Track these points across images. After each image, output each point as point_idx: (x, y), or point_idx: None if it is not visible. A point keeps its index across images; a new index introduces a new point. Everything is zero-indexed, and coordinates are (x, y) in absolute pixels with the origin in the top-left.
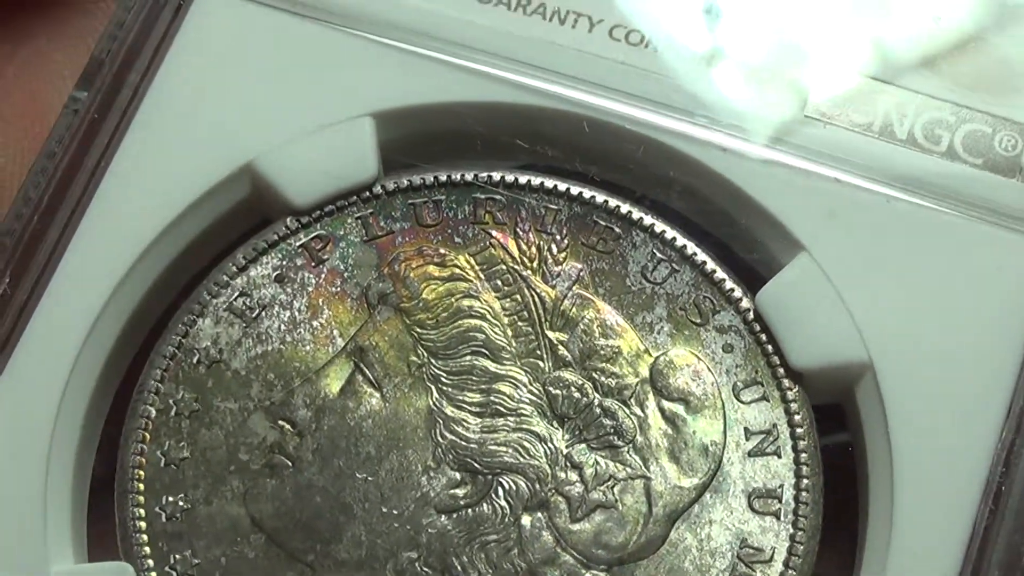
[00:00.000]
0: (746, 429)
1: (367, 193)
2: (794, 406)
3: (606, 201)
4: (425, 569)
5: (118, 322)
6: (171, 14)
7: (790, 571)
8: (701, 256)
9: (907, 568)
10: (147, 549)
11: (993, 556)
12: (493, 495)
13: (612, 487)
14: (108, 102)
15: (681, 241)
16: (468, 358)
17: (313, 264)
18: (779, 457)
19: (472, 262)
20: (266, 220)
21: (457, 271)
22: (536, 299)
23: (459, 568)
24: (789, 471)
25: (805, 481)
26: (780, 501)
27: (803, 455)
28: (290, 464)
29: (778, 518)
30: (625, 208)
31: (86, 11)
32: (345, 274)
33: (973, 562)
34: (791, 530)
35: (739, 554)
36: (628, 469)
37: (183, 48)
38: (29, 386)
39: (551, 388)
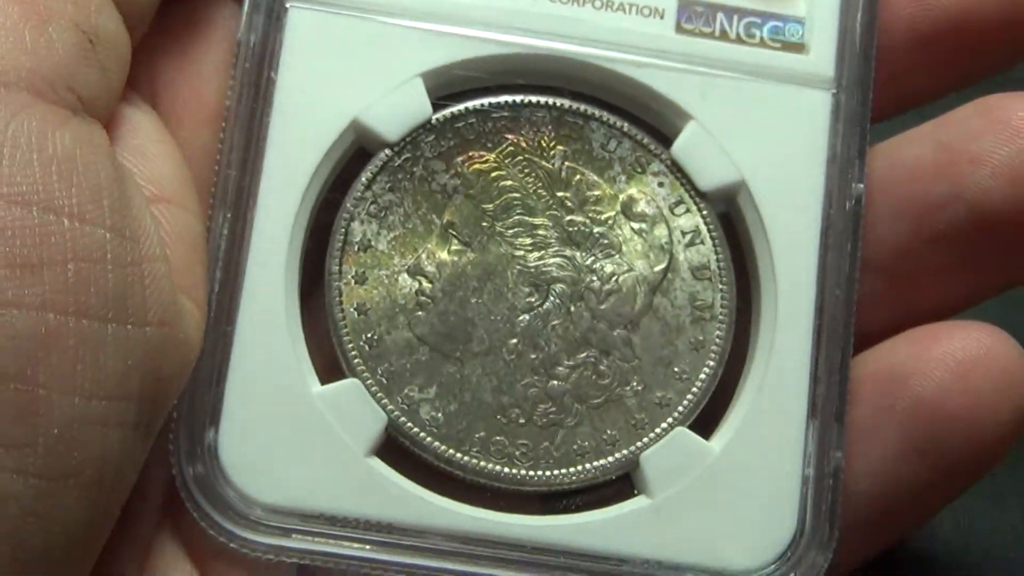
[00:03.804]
0: (681, 231)
1: (429, 124)
2: (705, 213)
3: (571, 106)
4: (525, 348)
5: (301, 228)
6: (275, 28)
7: (722, 311)
8: (635, 131)
9: (790, 297)
10: (362, 368)
11: (827, 283)
12: (551, 296)
13: (616, 279)
14: (253, 93)
15: (620, 123)
16: (516, 217)
17: (408, 176)
18: (703, 244)
19: (500, 156)
20: (367, 152)
21: (495, 164)
22: (545, 174)
23: (543, 342)
24: (711, 251)
25: (720, 256)
26: (709, 270)
27: (716, 242)
28: (430, 300)
29: (711, 280)
30: (583, 108)
31: (223, 26)
32: (428, 179)
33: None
34: (720, 286)
35: (693, 305)
36: (622, 267)
37: (290, 52)
38: (264, 279)
39: (567, 227)
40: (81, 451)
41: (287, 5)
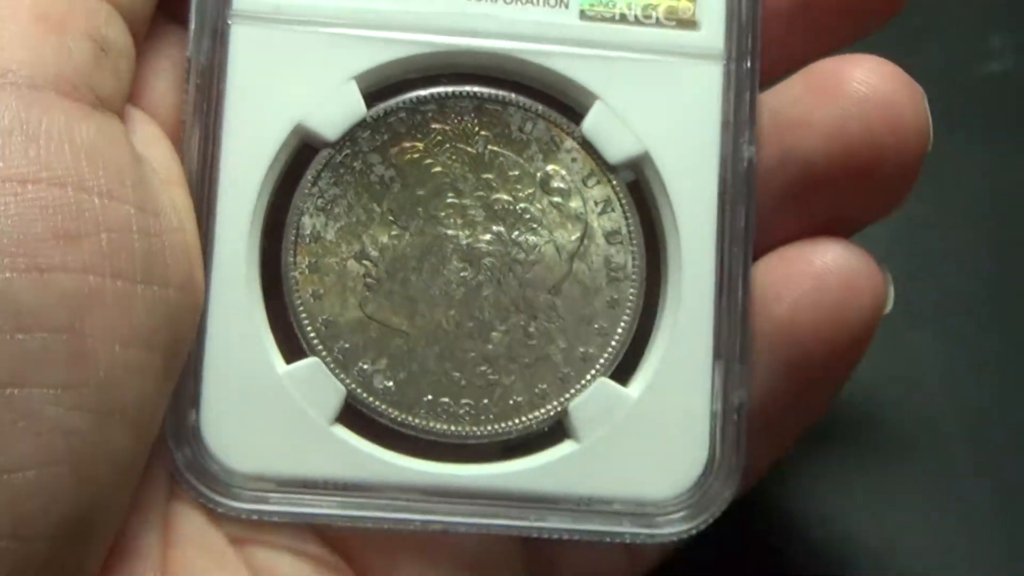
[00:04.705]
0: (594, 201)
1: (364, 122)
2: (615, 184)
3: (491, 94)
4: (462, 318)
5: (258, 226)
6: (220, 45)
7: (634, 271)
8: (549, 113)
9: (693, 254)
10: (321, 347)
11: (725, 239)
12: (483, 270)
13: (539, 249)
14: (205, 107)
15: (535, 106)
16: (447, 200)
17: (349, 171)
18: (615, 212)
19: (430, 145)
20: (312, 149)
21: (425, 153)
22: (470, 158)
23: (478, 312)
24: (622, 218)
25: (630, 222)
26: (621, 235)
27: (626, 209)
28: (376, 282)
29: (622, 244)
30: (501, 95)
31: (171, 47)
32: (367, 172)
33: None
34: (631, 248)
35: (608, 268)
36: (544, 238)
37: (235, 65)
38: (229, 275)
39: (493, 206)
40: (124, 392)
41: (229, 22)
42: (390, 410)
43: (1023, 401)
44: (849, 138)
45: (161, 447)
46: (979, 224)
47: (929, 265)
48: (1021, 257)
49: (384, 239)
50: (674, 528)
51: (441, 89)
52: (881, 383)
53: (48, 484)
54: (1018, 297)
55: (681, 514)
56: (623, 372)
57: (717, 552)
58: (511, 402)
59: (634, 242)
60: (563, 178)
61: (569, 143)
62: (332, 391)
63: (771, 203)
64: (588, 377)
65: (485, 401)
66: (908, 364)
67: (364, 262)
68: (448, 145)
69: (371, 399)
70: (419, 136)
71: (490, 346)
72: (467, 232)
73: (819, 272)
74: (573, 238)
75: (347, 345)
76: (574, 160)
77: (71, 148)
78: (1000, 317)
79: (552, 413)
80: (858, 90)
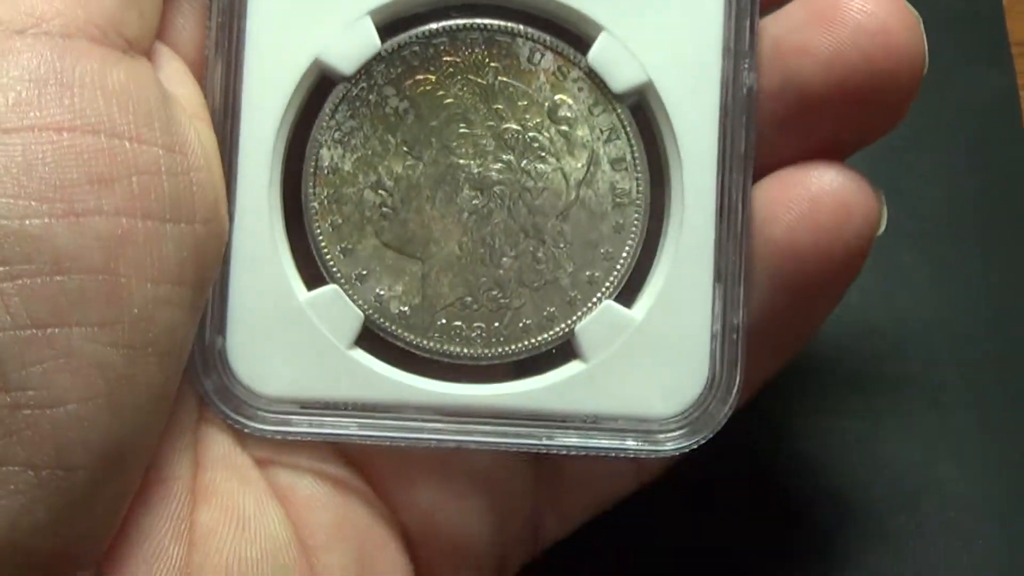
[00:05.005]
0: (600, 129)
1: (379, 56)
2: (620, 113)
3: (500, 25)
4: (474, 244)
5: (279, 158)
6: None
7: (638, 196)
8: (556, 43)
9: (695, 179)
10: (339, 274)
11: (726, 165)
12: (494, 196)
13: (547, 176)
14: (227, 44)
15: (543, 37)
16: (459, 131)
17: (365, 103)
18: (620, 140)
19: (442, 77)
20: (329, 82)
21: (437, 85)
22: (481, 89)
23: (489, 238)
24: (627, 146)
25: (635, 149)
26: (625, 162)
27: (631, 136)
28: (392, 211)
29: (627, 171)
30: (509, 26)
31: None
32: (382, 104)
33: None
34: (636, 175)
35: (614, 194)
36: (552, 165)
37: (255, 2)
38: (252, 206)
39: (503, 135)
40: (156, 326)
41: None
42: (406, 334)
43: (1007, 319)
44: (847, 66)
45: (190, 374)
46: (959, 147)
47: (912, 185)
48: (1001, 176)
49: (399, 169)
50: (676, 443)
51: (452, 22)
52: (869, 303)
53: (87, 416)
54: (999, 216)
55: (682, 430)
56: (628, 295)
57: (717, 465)
58: (521, 325)
59: (638, 168)
60: (570, 107)
61: (576, 73)
62: (351, 316)
63: (770, 128)
64: (594, 300)
65: (496, 324)
66: (895, 283)
67: (380, 192)
68: (459, 77)
69: (388, 323)
70: (431, 68)
71: (501, 271)
72: (478, 161)
73: (815, 194)
74: (580, 165)
75: (364, 272)
76: (580, 89)
77: (103, 95)
78: (983, 236)
79: (560, 335)
80: (855, 18)
